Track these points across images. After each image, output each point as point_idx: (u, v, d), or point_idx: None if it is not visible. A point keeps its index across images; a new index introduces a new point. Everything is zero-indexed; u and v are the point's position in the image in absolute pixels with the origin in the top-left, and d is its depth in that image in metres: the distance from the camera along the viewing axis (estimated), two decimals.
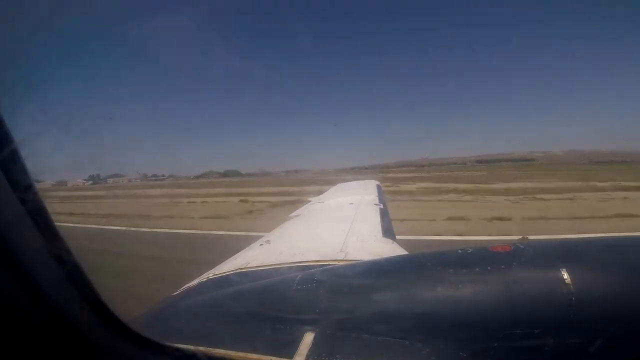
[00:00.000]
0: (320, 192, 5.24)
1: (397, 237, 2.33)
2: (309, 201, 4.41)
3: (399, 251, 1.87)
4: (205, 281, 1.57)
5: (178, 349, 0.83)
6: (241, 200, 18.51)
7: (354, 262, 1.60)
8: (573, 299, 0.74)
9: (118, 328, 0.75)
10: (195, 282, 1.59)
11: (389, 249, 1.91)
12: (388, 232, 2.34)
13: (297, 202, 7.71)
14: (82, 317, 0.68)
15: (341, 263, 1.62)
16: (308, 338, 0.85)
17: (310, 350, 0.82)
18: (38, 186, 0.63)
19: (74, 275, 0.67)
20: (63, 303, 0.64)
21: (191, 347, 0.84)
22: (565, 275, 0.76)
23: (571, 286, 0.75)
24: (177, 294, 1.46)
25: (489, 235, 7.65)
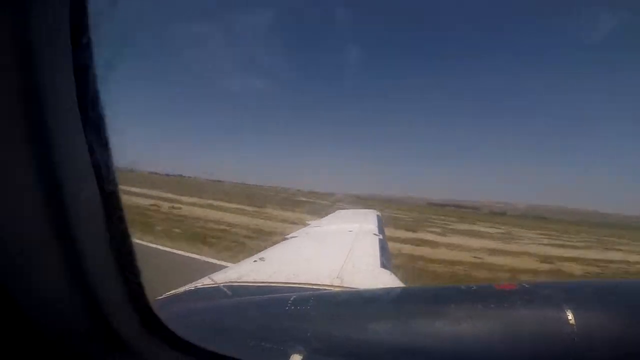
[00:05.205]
0: None
1: None
2: (308, 224, 4.36)
3: (396, 283, 1.84)
4: (192, 290, 1.50)
5: (214, 354, 0.79)
6: None
7: (349, 289, 1.57)
8: (575, 339, 0.74)
9: (154, 326, 0.71)
10: (181, 290, 1.52)
11: (386, 280, 1.88)
12: (386, 263, 2.32)
13: None
14: (118, 309, 0.65)
15: (336, 289, 1.58)
16: (295, 359, 0.83)
17: None
18: None
19: (126, 266, 0.64)
20: (104, 291, 0.62)
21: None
22: (570, 316, 0.77)
23: (575, 327, 0.75)
24: (159, 300, 1.38)
25: None
